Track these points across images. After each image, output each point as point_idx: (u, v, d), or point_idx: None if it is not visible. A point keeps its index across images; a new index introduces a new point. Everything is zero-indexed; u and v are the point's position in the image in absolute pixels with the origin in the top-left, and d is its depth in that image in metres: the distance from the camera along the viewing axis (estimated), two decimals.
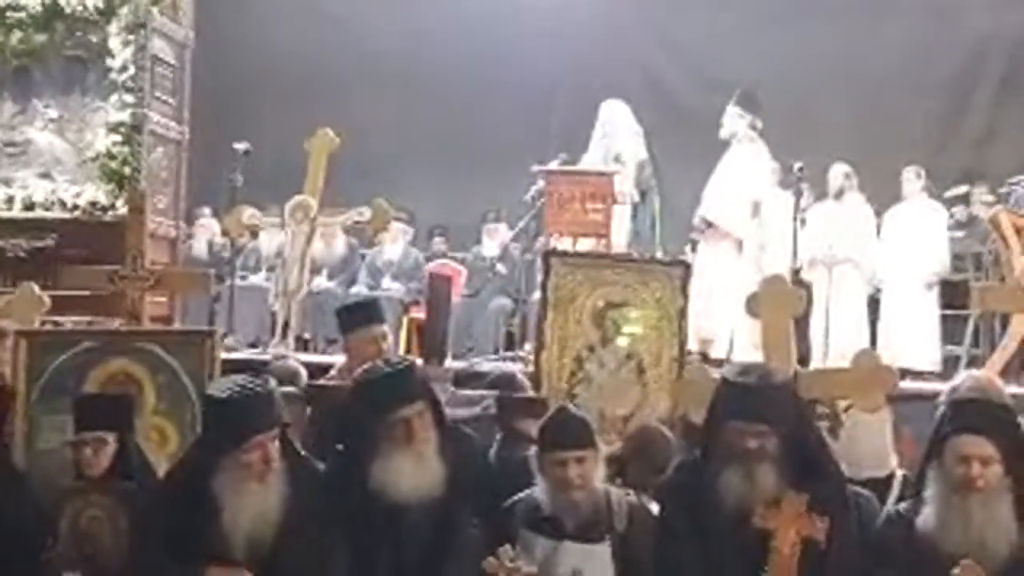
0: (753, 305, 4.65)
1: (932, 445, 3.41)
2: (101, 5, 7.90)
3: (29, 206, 7.88)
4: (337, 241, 8.94)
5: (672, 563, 3.50)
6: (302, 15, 11.26)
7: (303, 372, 5.30)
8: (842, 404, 4.46)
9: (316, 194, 7.75)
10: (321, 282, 8.77)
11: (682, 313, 5.18)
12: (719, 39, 10.87)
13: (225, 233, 8.88)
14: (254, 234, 9.10)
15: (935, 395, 4.50)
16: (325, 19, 11.25)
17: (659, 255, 7.42)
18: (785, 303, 4.63)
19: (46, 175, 8.03)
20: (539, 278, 5.53)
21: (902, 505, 3.55)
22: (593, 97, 8.44)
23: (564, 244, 7.17)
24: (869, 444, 4.24)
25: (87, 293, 6.12)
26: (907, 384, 7.26)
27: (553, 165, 7.85)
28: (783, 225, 7.75)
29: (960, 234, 8.88)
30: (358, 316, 5.17)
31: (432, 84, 11.03)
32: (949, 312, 8.31)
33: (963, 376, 4.66)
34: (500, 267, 8.73)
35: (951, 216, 8.96)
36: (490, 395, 4.72)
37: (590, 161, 7.94)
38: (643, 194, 7.95)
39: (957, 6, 10.64)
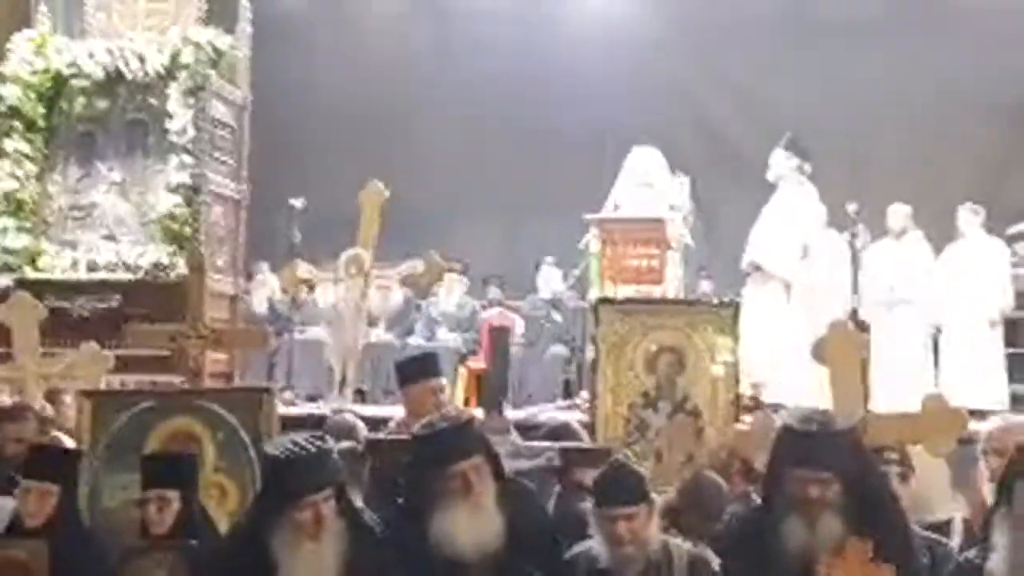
0: (819, 351, 4.61)
1: (1000, 488, 3.34)
2: (161, 70, 8.11)
3: (93, 268, 8.07)
4: (393, 293, 8.99)
5: None
6: (354, 71, 11.43)
7: (360, 426, 5.32)
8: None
9: (369, 247, 7.84)
10: (378, 334, 8.82)
11: (734, 354, 5.14)
12: (769, 78, 10.84)
13: (284, 289, 8.99)
14: (311, 288, 9.19)
15: None
16: (376, 74, 11.41)
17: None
18: (851, 347, 4.59)
19: (110, 237, 8.22)
20: (591, 327, 5.52)
21: (971, 551, 3.47)
22: (641, 138, 8.45)
23: (620, 291, 7.17)
24: (929, 488, 4.17)
25: (150, 352, 6.22)
26: (974, 425, 7.16)
27: (605, 212, 7.86)
28: (833, 267, 7.68)
29: (1022, 271, 8.73)
30: (416, 369, 5.18)
31: (482, 132, 11.12)
32: (1015, 350, 8.15)
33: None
34: (555, 315, 8.73)
35: (1014, 253, 8.81)
36: (553, 446, 4.70)
37: (627, 207, 7.92)
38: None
39: (1012, 39, 10.50)
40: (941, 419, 4.38)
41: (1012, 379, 8.19)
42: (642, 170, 8.06)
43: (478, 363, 8.30)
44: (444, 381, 5.36)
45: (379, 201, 7.90)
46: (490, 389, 5.72)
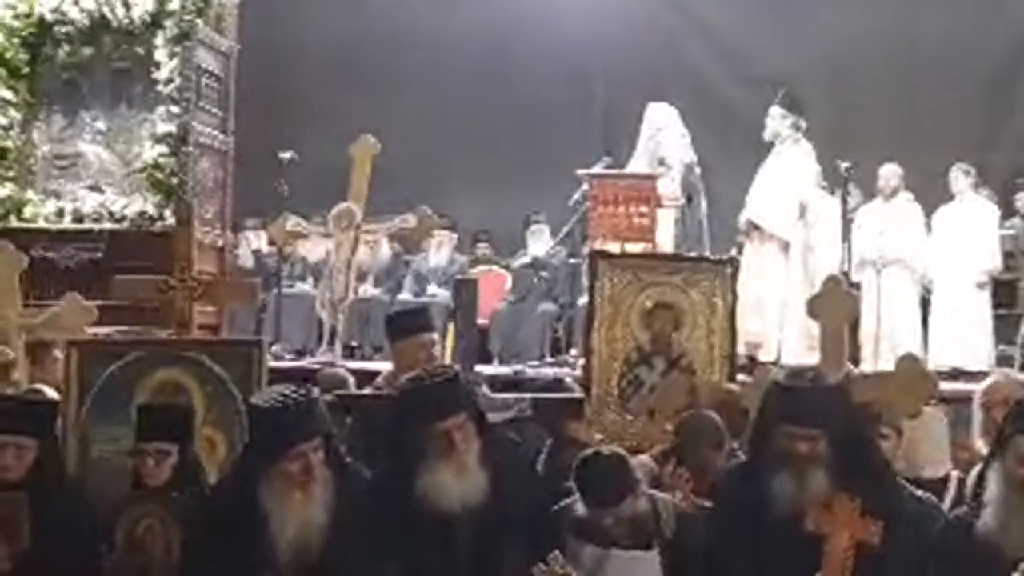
0: (812, 307, 4.61)
1: (995, 445, 3.35)
2: (147, 18, 8.00)
3: (78, 218, 8.01)
4: (382, 248, 8.96)
5: (723, 568, 3.46)
6: (343, 21, 11.31)
7: (351, 380, 5.30)
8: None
9: (360, 201, 7.78)
10: (367, 289, 8.80)
11: (732, 312, 5.12)
12: (761, 33, 10.76)
13: (271, 242, 8.95)
14: (298, 239, 9.14)
15: None
16: (366, 24, 11.28)
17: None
18: (841, 306, 4.60)
19: (95, 187, 8.15)
20: (586, 281, 5.47)
21: (962, 508, 3.49)
22: (634, 95, 8.43)
23: (610, 248, 7.13)
24: (925, 445, 4.18)
25: (136, 304, 6.18)
26: (961, 385, 7.20)
27: (596, 168, 7.82)
28: (830, 226, 7.67)
29: (1011, 232, 8.74)
30: (408, 324, 5.16)
31: (472, 87, 11.03)
32: (1003, 311, 8.17)
33: None
34: (544, 273, 8.71)
35: (1013, 205, 8.84)
36: (524, 398, 4.70)
37: (637, 164, 7.91)
38: (689, 197, 7.90)
39: None
40: (912, 380, 4.39)
41: (999, 340, 8.23)
42: (649, 126, 8.01)
43: None
44: (435, 336, 5.34)
45: (370, 155, 7.84)
46: (459, 342, 5.71)
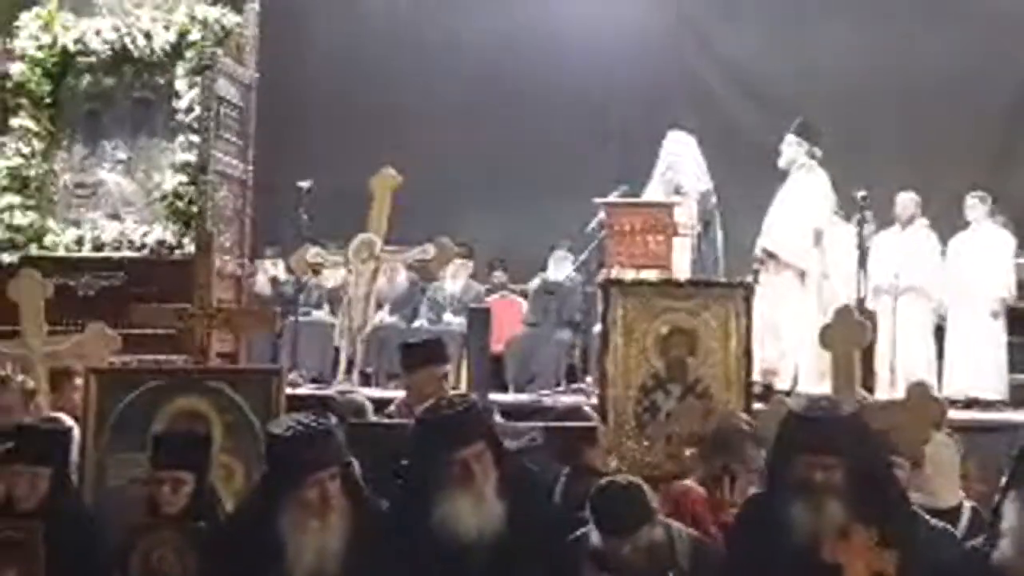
0: (825, 337, 4.62)
1: (1011, 475, 3.34)
2: (168, 48, 8.09)
3: (98, 246, 8.08)
4: (398, 276, 8.99)
5: None
6: (362, 52, 11.40)
7: (369, 406, 5.32)
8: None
9: (380, 233, 7.83)
10: (383, 317, 8.82)
11: (747, 336, 5.11)
12: (776, 60, 10.78)
13: (290, 271, 9.00)
14: (316, 272, 9.19)
15: (1001, 425, 4.44)
16: (385, 56, 11.37)
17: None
18: (853, 334, 4.61)
19: (115, 216, 8.22)
20: (600, 308, 5.47)
21: (979, 538, 3.47)
22: (649, 122, 8.46)
23: (626, 275, 7.15)
24: (935, 473, 4.17)
25: (155, 331, 6.22)
26: (976, 414, 7.17)
27: (613, 197, 7.85)
28: (845, 254, 7.67)
29: None
30: (422, 355, 5.15)
31: (487, 116, 11.08)
32: (1018, 340, 8.14)
33: None
34: (554, 300, 8.73)
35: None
36: (536, 427, 4.70)
37: (653, 192, 7.93)
38: (706, 225, 7.92)
39: (1016, 22, 10.43)
40: (921, 406, 4.39)
41: (1013, 369, 8.20)
42: (668, 156, 8.04)
43: None
44: (449, 368, 5.34)
45: (391, 186, 7.89)
46: (472, 369, 5.73)
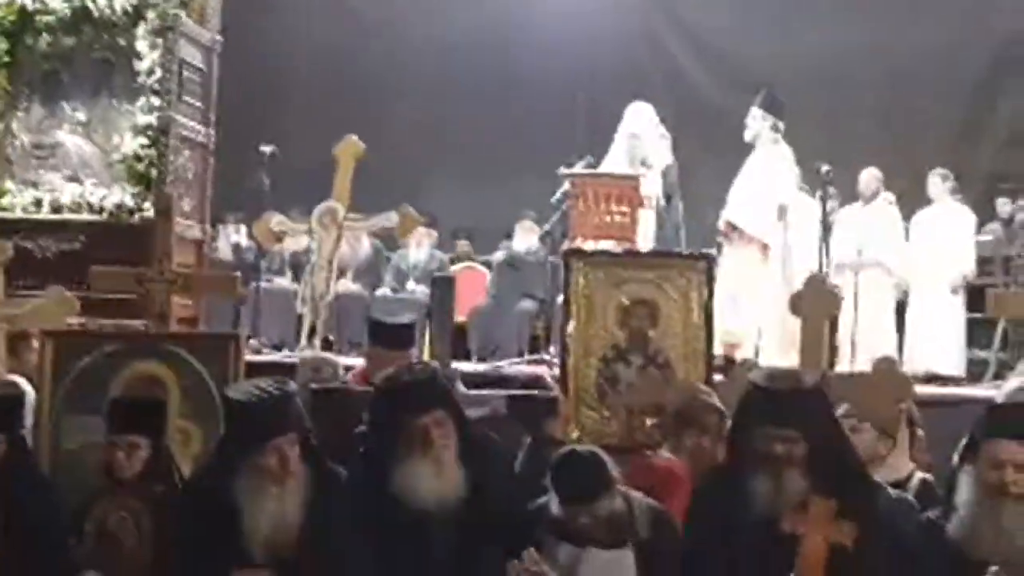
0: (795, 305, 4.64)
1: (966, 449, 3.38)
2: (129, 9, 7.96)
3: (57, 208, 7.96)
4: (362, 244, 8.94)
5: (698, 568, 3.47)
6: (329, 19, 11.30)
7: (340, 364, 5.29)
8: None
9: (344, 200, 7.77)
10: (346, 284, 8.78)
11: (708, 307, 5.12)
12: (743, 36, 10.83)
13: (252, 237, 8.93)
14: (279, 239, 9.12)
15: (958, 400, 4.50)
16: (351, 23, 11.29)
17: None
18: (823, 304, 4.63)
19: (74, 178, 8.10)
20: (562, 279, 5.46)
21: (933, 511, 3.51)
22: (618, 96, 8.43)
23: (590, 247, 7.14)
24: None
25: (115, 296, 6.14)
26: (935, 389, 7.25)
27: (578, 168, 7.83)
28: (809, 228, 7.70)
29: (991, 238, 8.81)
30: (390, 338, 5.13)
31: (455, 87, 11.06)
32: (978, 316, 8.24)
33: (1015, 381, 4.64)
34: (516, 271, 8.74)
35: (995, 210, 8.90)
36: (498, 394, 4.70)
37: (613, 161, 7.93)
38: (668, 198, 7.93)
39: (984, 6, 10.52)
40: (888, 383, 4.42)
41: (972, 345, 8.30)
42: (630, 124, 8.01)
43: None
44: (415, 351, 5.32)
45: (355, 154, 7.83)
46: (435, 337, 5.71)
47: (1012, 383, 4.56)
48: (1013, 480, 3.22)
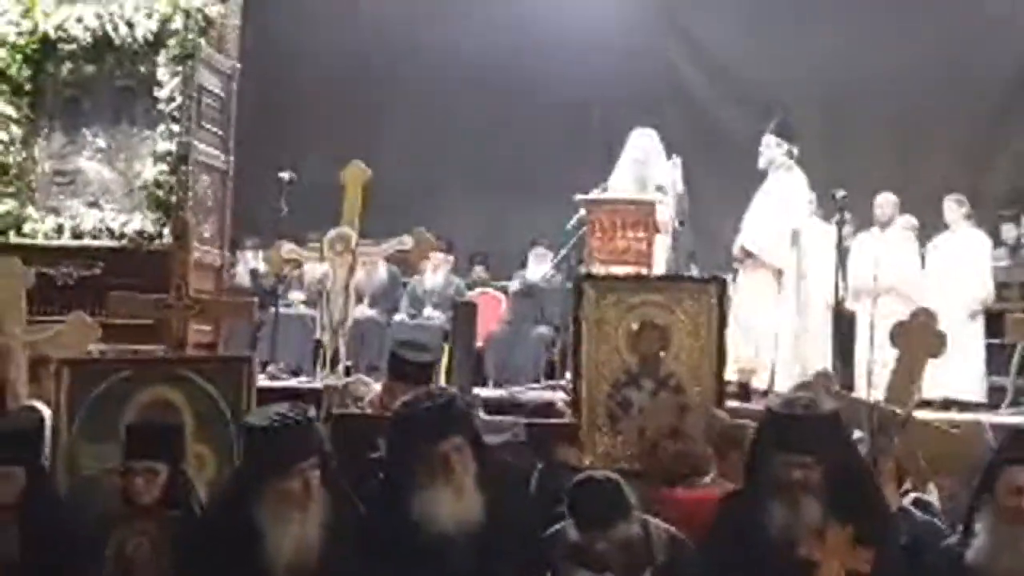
0: (897, 336, 4.61)
1: (985, 476, 3.37)
2: (150, 37, 8.03)
3: (78, 235, 8.02)
4: (379, 270, 8.97)
5: None
6: (346, 43, 11.36)
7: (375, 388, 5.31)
8: None
9: (354, 225, 7.79)
10: (363, 310, 8.81)
11: (719, 331, 5.11)
12: (757, 59, 10.82)
13: (270, 269, 8.96)
14: (298, 264, 9.15)
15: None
16: (368, 47, 11.35)
17: None
18: (928, 343, 4.63)
19: (95, 204, 8.17)
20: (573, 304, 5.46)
21: (953, 538, 3.50)
22: (631, 120, 8.44)
23: (606, 272, 7.15)
24: None
25: (134, 321, 6.18)
26: (954, 415, 7.21)
27: (594, 194, 7.85)
28: (824, 254, 7.69)
29: (1005, 263, 8.78)
30: (409, 372, 5.11)
31: (472, 112, 11.09)
32: (995, 342, 8.19)
33: None
34: (537, 297, 8.74)
35: (1000, 236, 8.87)
36: (519, 422, 4.70)
37: (618, 186, 7.92)
38: (681, 223, 7.94)
39: (998, 24, 10.49)
40: (972, 448, 4.41)
41: (991, 371, 8.25)
42: (636, 149, 8.03)
43: None
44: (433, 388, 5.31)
45: (362, 179, 7.84)
46: (457, 364, 5.73)
47: None
48: None
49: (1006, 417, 7.18)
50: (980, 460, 4.27)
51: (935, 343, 4.68)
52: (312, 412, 3.52)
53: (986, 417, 7.47)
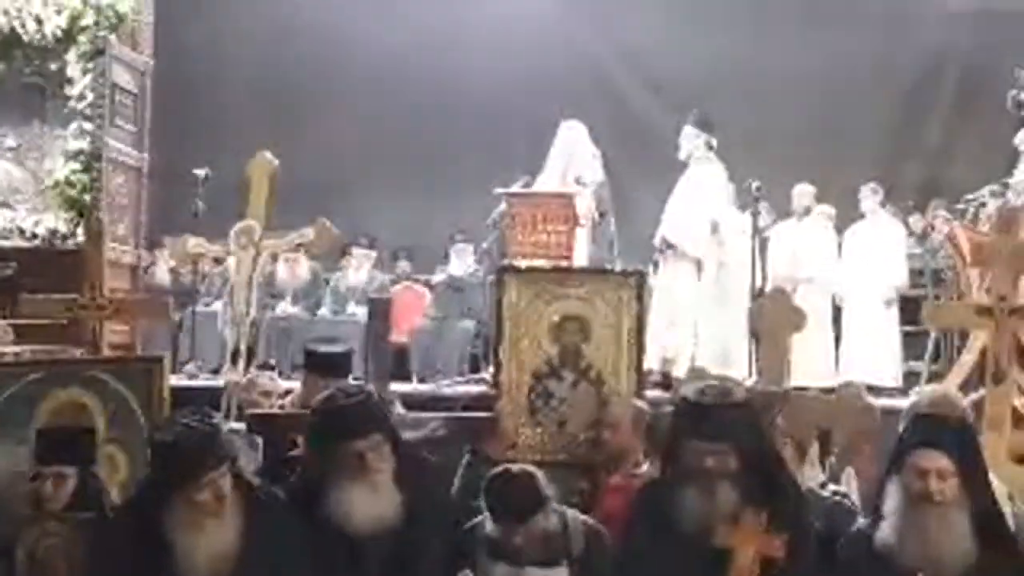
0: (755, 318, 4.65)
1: (892, 459, 3.43)
2: (60, 33, 7.89)
3: None
4: (301, 266, 8.88)
5: None
6: (262, 40, 11.25)
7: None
8: None
9: (259, 218, 7.67)
10: (286, 307, 8.71)
11: (639, 323, 5.15)
12: (677, 55, 10.94)
13: (176, 264, 8.84)
14: (218, 261, 9.01)
15: (896, 411, 4.52)
16: (285, 44, 11.24)
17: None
18: (786, 318, 4.65)
19: (4, 204, 8.00)
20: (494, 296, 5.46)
21: (862, 520, 3.56)
22: (555, 114, 8.46)
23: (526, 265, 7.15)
24: None
25: (47, 322, 6.06)
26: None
27: (515, 187, 7.85)
28: (742, 244, 7.78)
29: (919, 250, 8.97)
30: (326, 366, 5.07)
31: (393, 107, 11.05)
32: (910, 328, 8.36)
33: (925, 391, 4.68)
34: (461, 291, 8.73)
35: (907, 227, 9.05)
36: (437, 417, 4.69)
37: (547, 181, 7.94)
38: (601, 215, 7.97)
39: (912, 21, 10.74)
40: (852, 412, 4.46)
41: (907, 356, 8.41)
42: (562, 143, 8.05)
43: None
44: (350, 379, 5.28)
45: (268, 171, 7.72)
46: (374, 359, 5.67)
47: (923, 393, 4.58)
48: (937, 489, 3.27)
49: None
50: (864, 424, 4.40)
51: (795, 318, 4.73)
52: (217, 417, 3.48)
53: (903, 402, 7.62)
